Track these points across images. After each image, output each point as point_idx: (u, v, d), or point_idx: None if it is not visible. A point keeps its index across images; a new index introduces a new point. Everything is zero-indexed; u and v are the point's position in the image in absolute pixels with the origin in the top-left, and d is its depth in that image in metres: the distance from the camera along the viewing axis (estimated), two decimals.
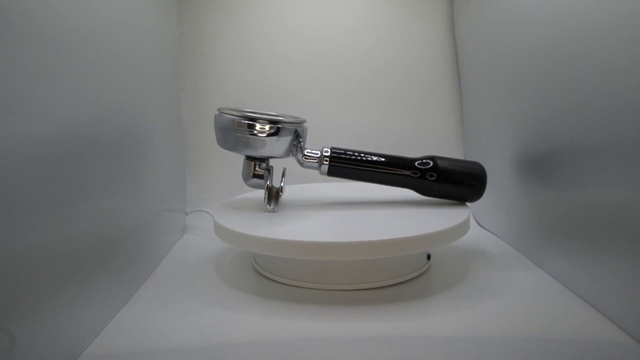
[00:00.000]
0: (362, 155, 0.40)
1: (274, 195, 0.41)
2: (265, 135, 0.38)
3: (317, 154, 0.40)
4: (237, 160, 0.49)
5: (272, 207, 0.40)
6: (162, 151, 0.46)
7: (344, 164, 0.40)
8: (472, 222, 0.53)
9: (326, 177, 0.41)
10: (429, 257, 0.40)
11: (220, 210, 0.40)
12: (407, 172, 0.40)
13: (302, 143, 0.40)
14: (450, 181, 0.39)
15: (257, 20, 0.60)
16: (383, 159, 0.40)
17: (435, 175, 0.39)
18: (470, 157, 0.58)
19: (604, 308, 0.30)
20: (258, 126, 0.38)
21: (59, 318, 0.24)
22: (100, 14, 0.31)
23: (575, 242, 0.33)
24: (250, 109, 0.41)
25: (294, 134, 0.39)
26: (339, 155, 0.40)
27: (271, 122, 0.38)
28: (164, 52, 0.48)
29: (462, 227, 0.36)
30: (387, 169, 0.40)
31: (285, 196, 0.46)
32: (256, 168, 0.41)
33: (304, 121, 0.42)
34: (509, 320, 0.30)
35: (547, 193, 0.37)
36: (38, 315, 0.23)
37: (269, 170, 0.41)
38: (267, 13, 0.60)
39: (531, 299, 0.33)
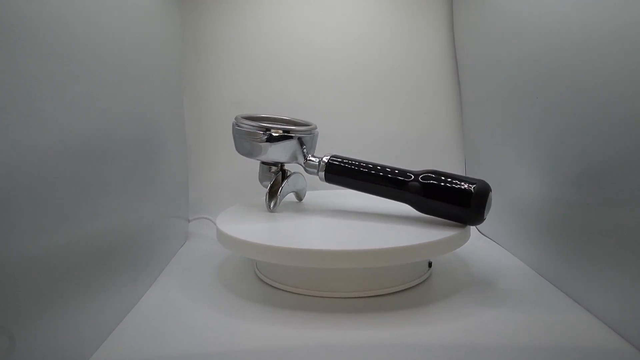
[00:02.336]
0: (360, 165, 0.39)
1: (274, 196, 0.41)
2: (262, 142, 0.40)
3: (317, 161, 0.41)
4: (240, 167, 0.49)
5: (271, 207, 0.42)
6: (166, 157, 0.46)
7: (340, 173, 0.40)
8: (473, 229, 0.54)
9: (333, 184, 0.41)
10: (430, 264, 0.40)
11: (223, 218, 0.41)
12: (401, 186, 0.37)
13: (304, 149, 0.41)
14: (442, 199, 0.36)
15: (259, 26, 0.60)
16: (379, 171, 0.38)
17: (429, 192, 0.36)
18: (471, 164, 0.58)
19: (604, 316, 0.30)
20: (258, 133, 0.40)
21: (63, 325, 0.25)
22: (106, 23, 0.32)
23: (575, 249, 0.33)
24: (266, 114, 0.43)
25: (297, 141, 0.40)
26: (336, 164, 0.40)
27: (268, 129, 0.39)
28: (168, 59, 0.49)
29: (463, 235, 0.36)
30: (382, 181, 0.38)
31: (291, 203, 0.46)
32: (267, 171, 0.43)
33: (314, 128, 0.42)
34: (510, 328, 0.30)
35: (547, 200, 0.38)
36: (41, 321, 0.23)
37: (276, 173, 0.42)
38: (270, 19, 0.60)
39: (532, 307, 0.33)
